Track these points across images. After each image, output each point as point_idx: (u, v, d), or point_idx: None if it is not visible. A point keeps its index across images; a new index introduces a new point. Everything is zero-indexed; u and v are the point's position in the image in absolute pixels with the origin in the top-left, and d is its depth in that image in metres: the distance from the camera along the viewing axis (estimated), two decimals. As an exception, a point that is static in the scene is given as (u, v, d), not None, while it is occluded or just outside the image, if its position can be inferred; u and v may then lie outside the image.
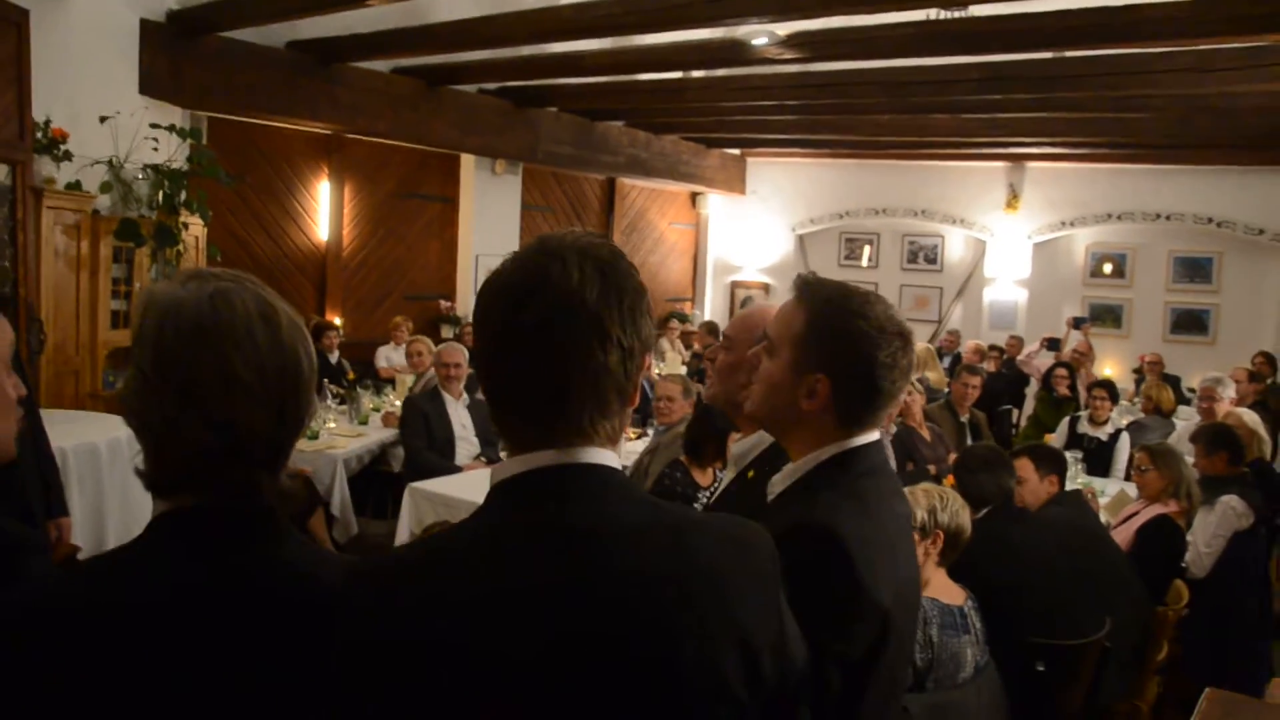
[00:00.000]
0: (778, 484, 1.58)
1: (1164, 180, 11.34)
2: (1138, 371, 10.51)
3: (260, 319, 1.18)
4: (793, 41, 6.91)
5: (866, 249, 13.59)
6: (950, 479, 4.08)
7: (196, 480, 1.15)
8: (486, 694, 0.99)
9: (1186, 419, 7.50)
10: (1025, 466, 4.01)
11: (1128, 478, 5.76)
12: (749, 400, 1.63)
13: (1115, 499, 5.37)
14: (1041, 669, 3.01)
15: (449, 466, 5.82)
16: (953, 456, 5.42)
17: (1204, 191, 11.15)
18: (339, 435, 6.37)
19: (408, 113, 9.02)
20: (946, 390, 7.47)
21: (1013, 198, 12.30)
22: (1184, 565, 4.40)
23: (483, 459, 6.03)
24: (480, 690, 0.99)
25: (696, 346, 11.12)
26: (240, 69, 7.61)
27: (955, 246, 13.06)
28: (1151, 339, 11.50)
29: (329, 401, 6.76)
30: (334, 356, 8.21)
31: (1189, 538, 4.47)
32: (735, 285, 14.30)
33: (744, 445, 1.94)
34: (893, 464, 5.60)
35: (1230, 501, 4.43)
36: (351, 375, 8.08)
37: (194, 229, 7.00)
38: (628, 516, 1.09)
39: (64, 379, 6.25)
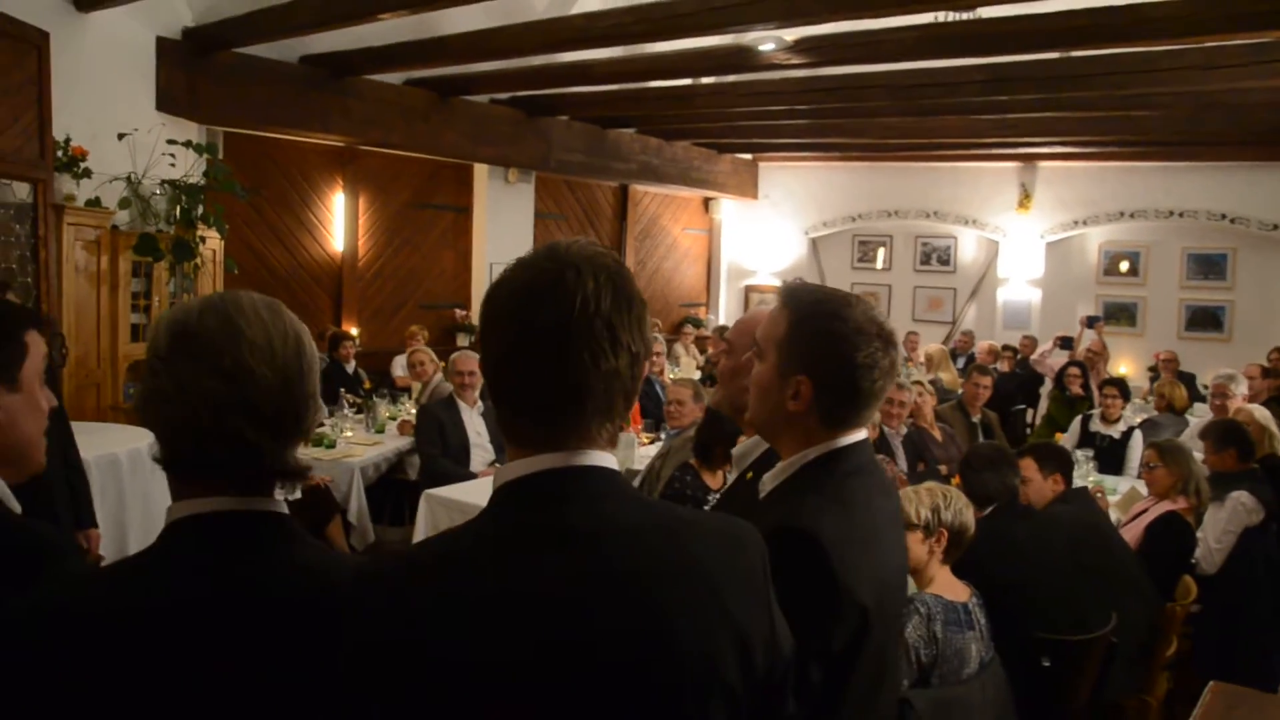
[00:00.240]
0: (768, 483, 1.63)
1: (1176, 177, 11.30)
2: (1153, 369, 10.45)
3: (264, 305, 1.26)
4: (800, 46, 6.95)
5: (881, 251, 13.60)
6: (957, 478, 4.11)
7: (204, 447, 1.19)
8: (492, 694, 1.03)
9: (1202, 416, 7.48)
10: (1029, 466, 4.03)
11: (1140, 476, 5.76)
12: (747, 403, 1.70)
13: (1126, 496, 5.37)
14: (1047, 664, 3.04)
15: (464, 473, 5.86)
16: (964, 457, 5.44)
17: (1216, 188, 11.09)
18: (356, 444, 6.43)
19: (420, 124, 9.11)
20: (960, 391, 7.48)
21: (1025, 197, 12.28)
22: (1194, 561, 4.42)
23: (497, 465, 6.06)
24: (486, 690, 1.03)
25: (710, 351, 11.16)
26: (255, 84, 7.72)
27: (968, 247, 13.04)
28: (1166, 336, 11.44)
29: (346, 410, 6.83)
30: (351, 366, 8.28)
31: (1199, 534, 4.48)
32: (749, 290, 14.32)
33: (744, 447, 1.98)
34: (903, 464, 5.56)
35: (1240, 497, 4.44)
36: (368, 384, 8.16)
37: (211, 243, 7.11)
38: (627, 517, 1.14)
39: (85, 392, 6.35)
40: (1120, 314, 11.94)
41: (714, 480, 4.21)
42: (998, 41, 6.49)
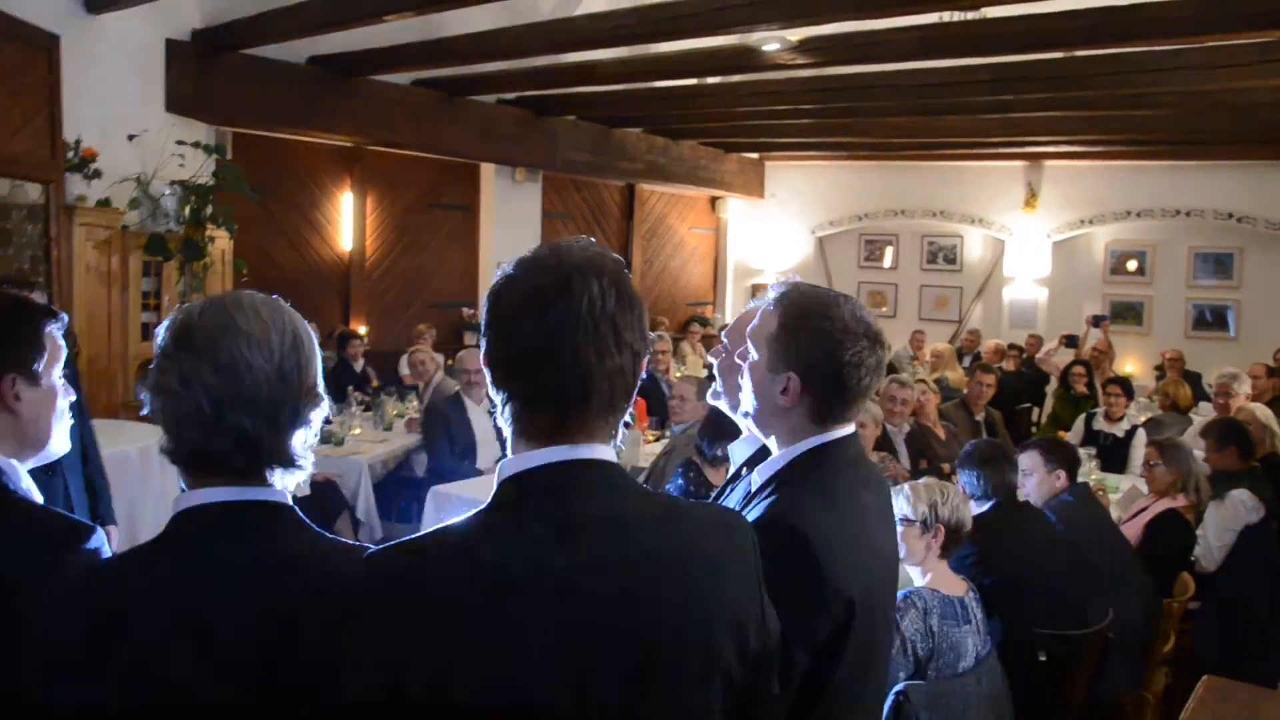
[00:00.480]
0: (759, 476, 1.68)
1: (1182, 176, 11.28)
2: (1159, 369, 10.43)
3: (263, 301, 1.31)
4: (805, 46, 6.98)
5: (888, 250, 13.62)
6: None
7: (206, 438, 1.24)
8: (504, 682, 1.07)
9: (1207, 415, 7.47)
10: (1034, 460, 4.06)
11: (1141, 474, 5.78)
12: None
13: (1127, 494, 5.39)
14: (1043, 659, 3.08)
15: (471, 470, 5.92)
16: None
17: (1223, 187, 11.07)
18: (364, 441, 6.50)
19: (427, 124, 9.16)
20: (965, 390, 7.50)
21: (1031, 196, 12.27)
22: (1194, 559, 4.45)
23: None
24: (498, 679, 1.07)
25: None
26: (263, 85, 7.78)
27: (974, 246, 13.04)
28: (1173, 336, 11.40)
29: (354, 408, 6.89)
30: (359, 364, 8.34)
31: (1200, 531, 4.51)
32: (756, 288, 14.33)
33: (741, 443, 2.03)
34: (905, 461, 5.58)
35: (1240, 496, 4.46)
36: (376, 383, 8.21)
37: (220, 243, 7.16)
38: (629, 507, 1.19)
39: (96, 390, 6.40)
40: (1127, 313, 11.92)
41: (717, 477, 4.25)
42: (1003, 41, 6.51)
